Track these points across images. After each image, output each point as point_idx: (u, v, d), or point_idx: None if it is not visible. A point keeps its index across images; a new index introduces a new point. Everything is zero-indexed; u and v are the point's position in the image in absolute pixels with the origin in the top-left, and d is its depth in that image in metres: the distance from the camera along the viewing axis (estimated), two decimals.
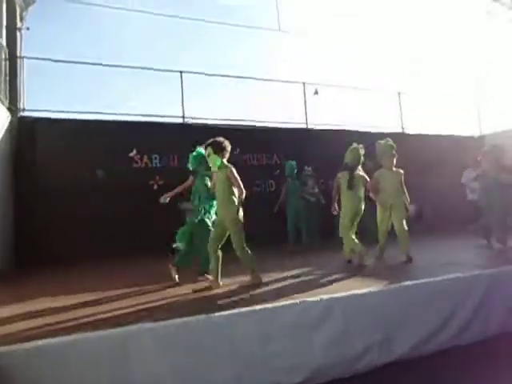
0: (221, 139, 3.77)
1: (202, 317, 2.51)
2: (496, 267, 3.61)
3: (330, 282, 3.60)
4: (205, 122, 8.07)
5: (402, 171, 4.81)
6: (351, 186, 4.62)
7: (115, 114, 7.43)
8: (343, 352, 2.79)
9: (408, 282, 3.17)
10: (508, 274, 3.50)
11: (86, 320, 2.71)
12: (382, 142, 4.87)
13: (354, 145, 4.81)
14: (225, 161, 3.75)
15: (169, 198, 4.36)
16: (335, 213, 4.85)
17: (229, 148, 3.80)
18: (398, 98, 9.65)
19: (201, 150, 4.22)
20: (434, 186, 8.50)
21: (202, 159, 4.23)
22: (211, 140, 3.77)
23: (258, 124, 8.47)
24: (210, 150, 3.72)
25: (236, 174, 3.67)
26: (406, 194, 4.78)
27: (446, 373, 2.83)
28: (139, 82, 9.05)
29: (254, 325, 2.57)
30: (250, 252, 3.71)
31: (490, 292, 3.33)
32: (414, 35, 10.89)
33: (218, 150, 3.71)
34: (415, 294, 3.09)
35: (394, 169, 4.79)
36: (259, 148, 8.13)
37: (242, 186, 3.65)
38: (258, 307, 2.65)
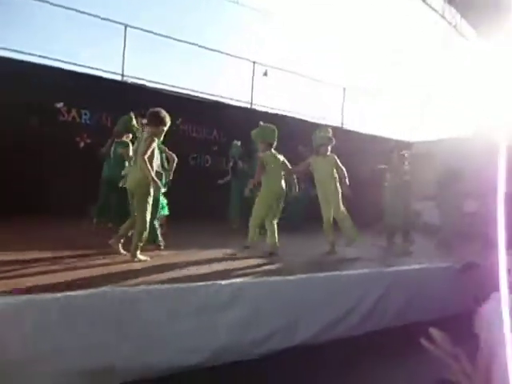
0: (161, 111, 3.62)
1: (107, 289, 2.39)
2: (397, 266, 3.91)
3: (247, 267, 3.64)
4: (146, 84, 7.60)
5: (334, 156, 4.83)
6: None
7: (46, 57, 6.67)
8: (247, 335, 2.85)
9: (316, 274, 3.30)
10: (406, 273, 3.82)
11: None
12: (318, 131, 4.98)
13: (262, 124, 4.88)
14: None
15: None
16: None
17: (167, 122, 3.64)
18: (343, 93, 9.93)
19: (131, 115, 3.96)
20: (357, 185, 8.67)
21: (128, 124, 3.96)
22: (151, 110, 3.62)
23: (202, 96, 8.19)
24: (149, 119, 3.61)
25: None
26: (345, 178, 4.80)
27: (346, 359, 3.02)
28: (80, 30, 8.22)
29: (160, 303, 2.52)
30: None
31: (389, 288, 3.61)
32: (371, 36, 11.18)
33: (155, 121, 3.59)
34: (322, 285, 3.24)
35: (329, 154, 4.82)
36: (200, 121, 7.89)
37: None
38: (165, 286, 2.59)
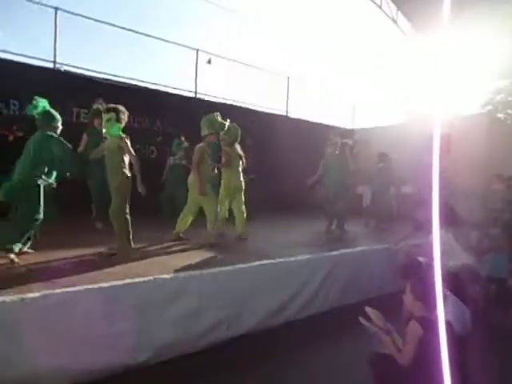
0: (121, 108, 3.65)
1: (36, 295, 2.26)
2: (337, 250, 4.09)
3: (188, 258, 3.61)
4: (81, 73, 7.16)
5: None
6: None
7: None
8: (192, 328, 2.85)
9: (258, 262, 3.35)
10: (345, 257, 4.01)
11: None
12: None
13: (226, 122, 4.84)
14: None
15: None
16: None
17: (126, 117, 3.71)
18: (287, 82, 10.05)
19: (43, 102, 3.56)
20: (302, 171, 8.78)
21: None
22: (115, 106, 3.63)
23: (143, 85, 7.89)
24: (113, 115, 3.56)
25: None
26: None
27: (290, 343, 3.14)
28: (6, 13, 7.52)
29: (98, 303, 2.43)
30: (127, 224, 3.60)
31: (331, 272, 3.78)
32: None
33: (121, 118, 3.61)
34: (265, 273, 3.31)
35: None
36: (142, 111, 7.59)
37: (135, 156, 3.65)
38: (105, 284, 2.51)
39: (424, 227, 4.23)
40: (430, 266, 3.18)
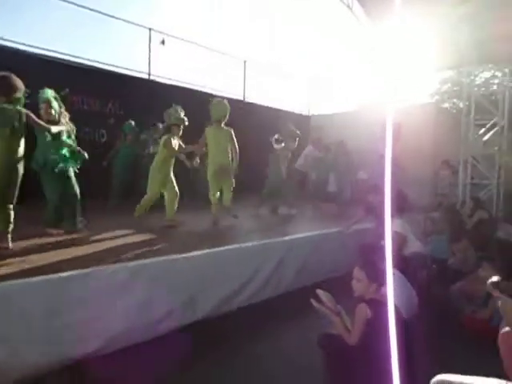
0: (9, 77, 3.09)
1: None
2: (290, 235, 4.16)
3: (141, 246, 3.52)
4: (21, 48, 6.61)
5: (231, 130, 4.88)
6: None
7: None
8: (146, 316, 2.80)
9: (213, 249, 3.33)
10: (299, 242, 4.09)
11: None
12: (215, 100, 4.96)
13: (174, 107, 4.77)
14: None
15: None
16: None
17: (19, 88, 3.14)
18: (244, 65, 9.92)
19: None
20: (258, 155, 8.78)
21: None
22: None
23: (94, 65, 7.44)
24: None
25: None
26: (237, 154, 4.86)
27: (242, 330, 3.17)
28: None
29: (42, 296, 2.31)
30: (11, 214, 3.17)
31: (284, 256, 3.84)
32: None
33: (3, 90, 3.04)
34: (218, 260, 3.30)
35: (224, 127, 4.86)
36: (92, 92, 7.20)
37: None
38: (49, 277, 2.38)
39: (374, 212, 4.41)
40: (382, 249, 3.34)
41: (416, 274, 3.66)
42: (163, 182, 4.58)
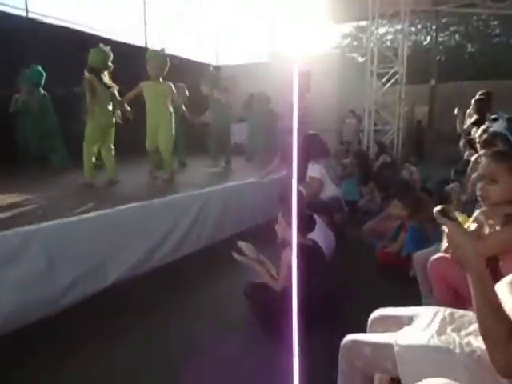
0: None
1: None
2: (209, 187, 3.95)
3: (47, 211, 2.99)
4: None
5: (171, 84, 4.33)
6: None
7: None
8: (45, 289, 2.40)
9: (122, 206, 2.95)
10: (218, 192, 3.90)
11: None
12: (151, 49, 4.42)
13: (101, 46, 4.06)
14: None
15: None
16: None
17: None
18: (144, 6, 8.88)
19: None
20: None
21: None
22: None
23: None
24: None
25: None
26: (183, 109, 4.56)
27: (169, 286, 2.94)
28: None
29: None
30: None
31: (203, 208, 3.63)
32: None
33: None
34: (131, 217, 2.95)
35: (162, 80, 4.30)
36: None
37: None
38: None
39: (288, 160, 4.39)
40: (302, 194, 3.32)
41: (333, 217, 3.77)
42: None
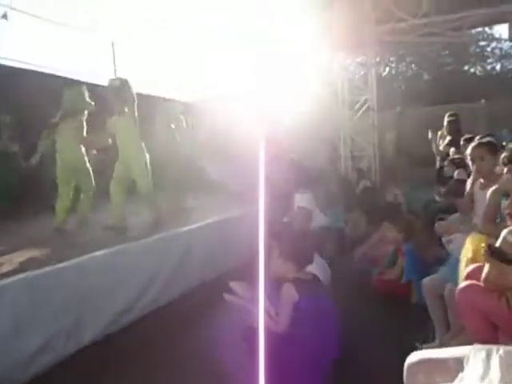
0: None
1: None
2: (193, 224, 3.71)
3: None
4: None
5: None
6: None
7: None
8: (13, 354, 2.06)
9: (96, 253, 2.65)
10: (202, 230, 3.67)
11: None
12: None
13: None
14: None
15: None
16: None
17: None
18: (112, 48, 8.82)
19: None
20: None
21: None
22: None
23: None
24: None
25: None
26: None
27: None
28: None
29: None
30: None
31: (188, 249, 3.38)
32: None
33: None
34: (106, 265, 2.65)
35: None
36: None
37: None
38: None
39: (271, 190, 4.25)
40: (289, 226, 3.16)
41: (325, 247, 3.61)
42: None
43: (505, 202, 1.41)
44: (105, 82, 4.06)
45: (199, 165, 7.39)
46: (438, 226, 2.66)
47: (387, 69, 22.41)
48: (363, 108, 7.76)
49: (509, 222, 1.40)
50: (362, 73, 8.85)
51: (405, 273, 2.98)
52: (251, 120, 6.24)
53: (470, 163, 2.63)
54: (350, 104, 7.92)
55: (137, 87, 4.26)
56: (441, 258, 3.27)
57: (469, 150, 2.59)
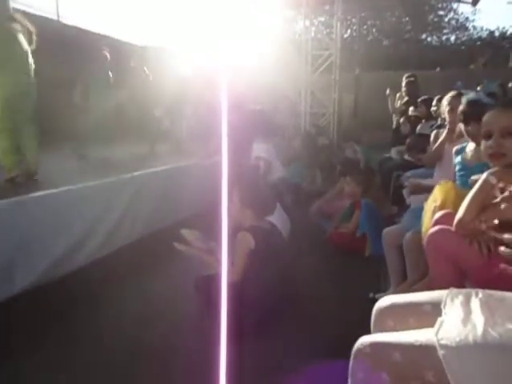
0: None
1: None
2: (144, 169, 3.43)
3: None
4: None
5: None
6: None
7: None
8: None
9: (38, 193, 2.37)
10: (152, 176, 3.40)
11: None
12: None
13: None
14: None
15: None
16: None
17: None
18: None
19: None
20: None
21: None
22: None
23: None
24: None
25: None
26: None
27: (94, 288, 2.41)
28: None
29: None
30: None
31: (137, 194, 3.12)
32: None
33: None
34: (49, 207, 2.36)
35: None
36: None
37: None
38: None
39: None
40: (258, 170, 2.99)
41: (282, 199, 3.51)
42: None
43: (487, 143, 1.32)
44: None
45: (154, 113, 6.94)
46: (409, 183, 2.62)
47: (349, 31, 22.20)
48: (326, 63, 7.56)
49: (492, 164, 1.32)
50: (325, 32, 8.59)
51: (360, 225, 2.96)
52: (211, 69, 5.87)
53: (446, 115, 2.59)
54: (313, 59, 7.68)
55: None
56: (393, 214, 3.34)
57: (448, 99, 2.59)
